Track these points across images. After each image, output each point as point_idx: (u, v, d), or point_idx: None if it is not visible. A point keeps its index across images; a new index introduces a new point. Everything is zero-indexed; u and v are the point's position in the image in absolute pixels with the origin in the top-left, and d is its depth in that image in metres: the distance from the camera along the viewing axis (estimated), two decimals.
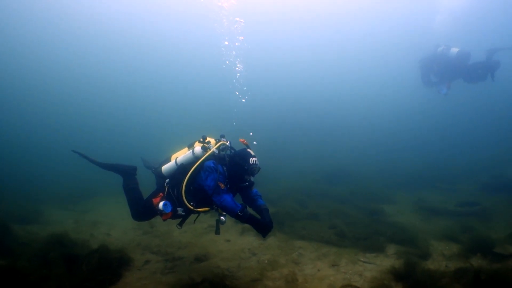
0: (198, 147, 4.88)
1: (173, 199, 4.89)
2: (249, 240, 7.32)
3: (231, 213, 4.49)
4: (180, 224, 5.08)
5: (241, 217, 4.47)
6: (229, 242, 7.23)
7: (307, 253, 6.51)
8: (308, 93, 37.55)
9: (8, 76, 35.10)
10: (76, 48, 36.15)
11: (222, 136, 5.18)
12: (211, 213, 5.41)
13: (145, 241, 7.50)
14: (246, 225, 7.86)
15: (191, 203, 4.68)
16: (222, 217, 4.74)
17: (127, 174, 5.63)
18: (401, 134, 27.45)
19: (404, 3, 32.04)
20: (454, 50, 10.80)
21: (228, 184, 4.81)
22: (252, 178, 4.81)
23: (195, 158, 4.84)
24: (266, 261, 6.09)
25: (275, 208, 8.79)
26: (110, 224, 9.19)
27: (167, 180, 5.09)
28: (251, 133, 6.37)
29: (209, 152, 4.80)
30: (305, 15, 37.23)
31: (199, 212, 4.85)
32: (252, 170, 4.70)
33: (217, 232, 5.02)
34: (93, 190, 13.50)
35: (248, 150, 4.83)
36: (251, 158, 4.69)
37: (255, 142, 6.03)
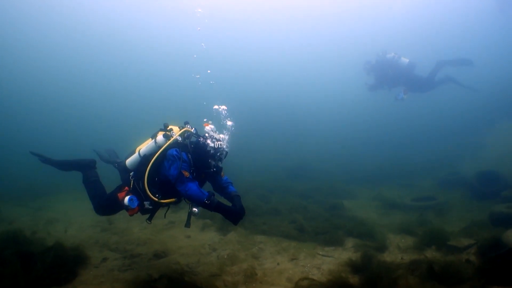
0: (160, 136, 4.72)
1: (139, 192, 4.67)
2: (210, 235, 7.28)
3: (198, 201, 4.29)
4: (149, 218, 4.92)
5: (208, 205, 4.24)
6: (189, 238, 7.17)
7: (267, 248, 6.55)
8: (272, 91, 37.89)
9: None
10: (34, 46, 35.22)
11: (186, 123, 5.01)
12: (180, 207, 5.26)
13: (103, 238, 7.33)
14: (207, 221, 7.89)
15: (156, 195, 4.50)
16: (194, 209, 4.48)
17: (86, 167, 5.45)
18: (361, 132, 28.05)
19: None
20: (405, 60, 11.91)
21: (194, 172, 4.63)
22: (220, 164, 4.67)
23: (158, 147, 4.67)
24: (226, 256, 6.07)
25: None
26: (68, 221, 8.93)
27: (132, 173, 4.92)
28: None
29: (171, 140, 4.62)
30: (275, 17, 38.00)
31: (167, 205, 4.70)
32: (217, 154, 4.55)
33: (187, 225, 4.75)
34: (50, 186, 13.07)
35: (213, 134, 4.67)
36: (216, 142, 4.54)
37: (212, 82, 5.79)
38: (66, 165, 5.48)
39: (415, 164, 16.38)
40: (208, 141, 4.59)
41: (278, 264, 5.78)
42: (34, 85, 37.55)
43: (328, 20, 39.03)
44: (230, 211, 4.37)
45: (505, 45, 31.73)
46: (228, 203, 4.62)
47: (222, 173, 4.87)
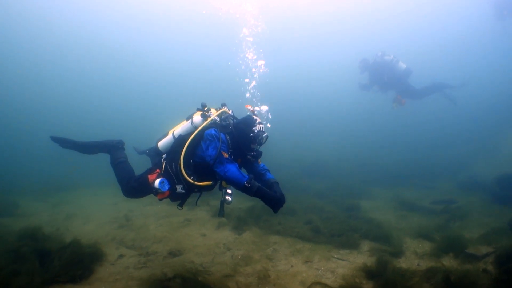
0: (197, 116, 4.58)
1: (171, 176, 4.48)
2: (225, 234, 7.30)
3: (238, 185, 3.99)
4: (181, 204, 4.68)
5: (249, 189, 3.93)
6: (204, 237, 7.19)
7: (282, 249, 6.53)
8: (290, 90, 37.85)
9: None
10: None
11: (224, 104, 4.84)
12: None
13: (120, 235, 7.41)
14: (223, 219, 7.90)
15: (191, 178, 4.26)
16: (227, 197, 4.32)
17: (114, 148, 5.25)
18: (380, 132, 27.78)
19: None
20: (402, 65, 11.91)
21: (232, 155, 4.40)
22: (259, 148, 4.49)
23: (194, 127, 4.50)
24: (239, 257, 6.07)
25: (252, 202, 8.66)
26: (86, 217, 9.06)
27: (164, 156, 4.74)
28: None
29: (209, 119, 4.45)
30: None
31: (200, 190, 4.50)
32: (259, 137, 4.35)
33: (221, 213, 4.56)
34: (70, 182, 13.28)
35: (254, 116, 4.48)
36: (257, 125, 4.35)
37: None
38: (92, 148, 5.30)
39: (433, 166, 16.16)
40: (252, 121, 4.40)
41: (292, 266, 5.75)
42: (50, 82, 38.17)
43: (352, 23, 39.23)
44: (272, 197, 4.06)
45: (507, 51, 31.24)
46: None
47: (259, 160, 4.67)
